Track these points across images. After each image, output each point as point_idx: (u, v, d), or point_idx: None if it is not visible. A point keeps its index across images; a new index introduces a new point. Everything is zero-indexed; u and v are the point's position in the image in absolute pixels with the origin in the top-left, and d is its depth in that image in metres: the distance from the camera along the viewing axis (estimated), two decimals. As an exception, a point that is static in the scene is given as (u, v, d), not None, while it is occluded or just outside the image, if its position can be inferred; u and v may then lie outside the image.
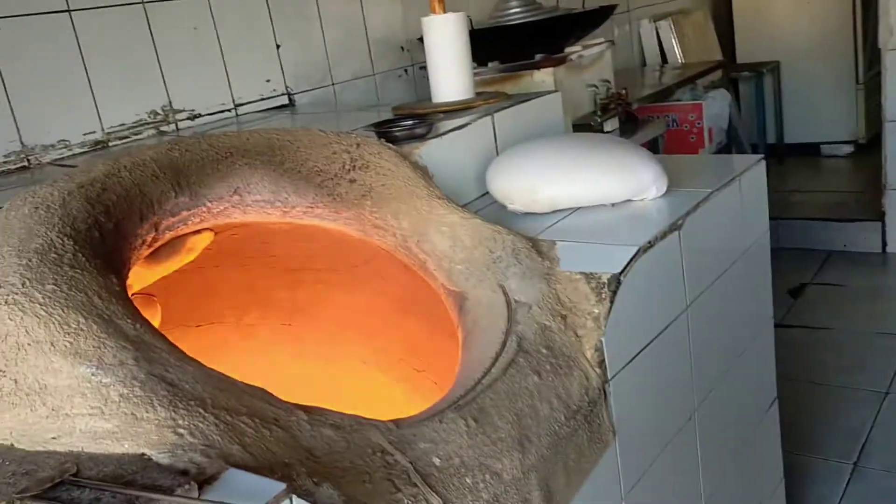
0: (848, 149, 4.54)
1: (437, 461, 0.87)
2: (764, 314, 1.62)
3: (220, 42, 2.06)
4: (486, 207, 1.45)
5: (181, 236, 1.22)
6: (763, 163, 1.52)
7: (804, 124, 4.59)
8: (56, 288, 0.82)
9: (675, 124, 3.49)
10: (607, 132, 2.50)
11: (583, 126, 2.33)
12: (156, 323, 1.43)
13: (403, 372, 1.67)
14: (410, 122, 1.49)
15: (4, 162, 1.66)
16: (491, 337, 1.09)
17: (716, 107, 3.40)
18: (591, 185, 1.31)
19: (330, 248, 1.48)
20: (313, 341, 1.71)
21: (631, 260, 1.15)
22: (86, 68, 1.78)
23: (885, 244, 3.34)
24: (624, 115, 2.56)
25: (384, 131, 1.41)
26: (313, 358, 1.73)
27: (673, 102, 3.37)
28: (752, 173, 1.49)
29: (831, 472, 2.06)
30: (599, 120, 2.41)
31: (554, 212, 1.35)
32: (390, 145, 1.35)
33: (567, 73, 2.29)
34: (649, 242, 1.19)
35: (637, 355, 1.16)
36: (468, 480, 0.87)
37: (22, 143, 1.68)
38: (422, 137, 1.43)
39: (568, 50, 2.34)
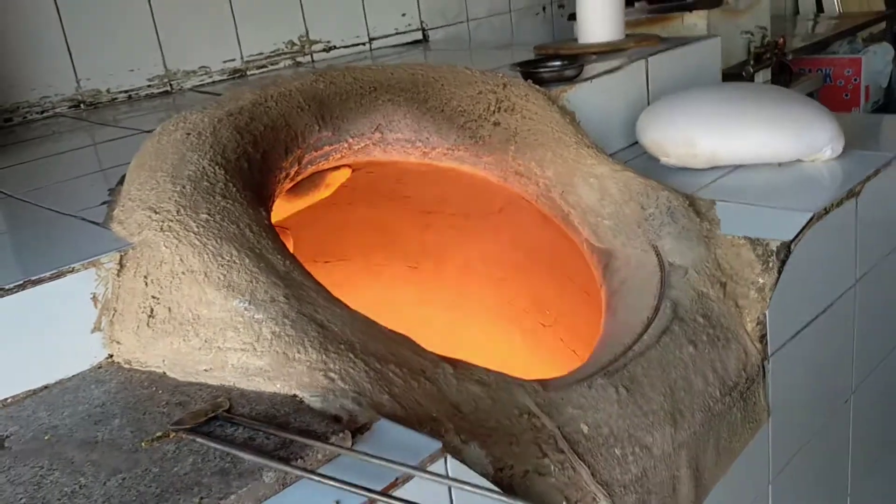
0: None
1: (584, 428, 0.81)
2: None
3: (359, -28, 2.01)
4: (636, 159, 1.36)
5: (321, 171, 1.20)
6: (953, 126, 1.36)
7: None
8: (209, 217, 0.80)
9: (829, 79, 3.21)
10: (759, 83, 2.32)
11: (733, 76, 2.16)
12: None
13: (528, 324, 1.62)
14: (559, 63, 1.40)
15: (148, 86, 1.68)
16: (641, 300, 1.02)
17: (876, 63, 3.11)
18: (757, 141, 1.19)
19: (465, 193, 1.43)
20: (438, 286, 1.68)
21: (804, 227, 1.04)
22: (229, -4, 1.77)
23: None
24: (777, 67, 2.37)
25: (531, 72, 1.33)
26: (437, 303, 1.70)
27: (828, 55, 3.10)
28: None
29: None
30: (752, 70, 2.23)
31: (713, 168, 1.24)
32: (538, 87, 1.27)
33: (721, 17, 2.12)
34: (824, 209, 1.07)
35: (800, 332, 1.06)
36: (617, 451, 0.82)
37: (165, 67, 1.70)
38: (571, 80, 1.34)
39: (724, -8, 2.16)
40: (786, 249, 1.02)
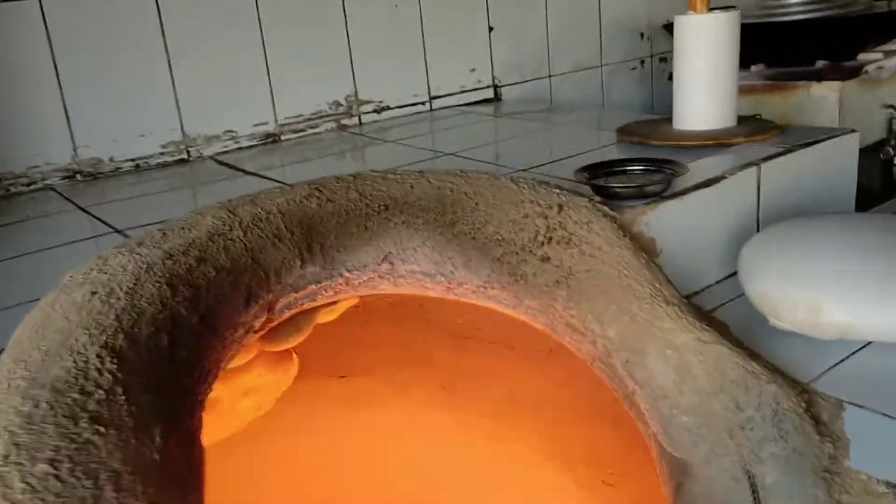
0: None
1: None
2: None
3: (422, 22, 1.74)
4: (733, 304, 1.02)
5: (307, 311, 0.93)
6: None
7: None
8: (50, 469, 0.53)
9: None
10: (897, 166, 1.91)
11: (867, 158, 1.77)
12: (292, 374, 1.17)
13: (585, 478, 1.30)
14: (641, 170, 1.08)
15: (161, 153, 1.46)
16: (724, 572, 0.69)
17: None
18: (912, 316, 0.84)
19: (507, 325, 1.13)
20: (477, 413, 1.38)
21: (983, 481, 0.69)
22: (265, 50, 1.53)
23: None
24: (924, 145, 1.95)
25: (602, 186, 1.01)
26: (476, 431, 1.40)
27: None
28: None
29: None
30: (893, 152, 1.83)
31: (841, 339, 0.90)
32: (606, 210, 0.96)
33: (858, 88, 1.74)
34: None
35: None
36: None
37: (183, 132, 1.47)
38: (655, 197, 1.02)
39: (862, 58, 1.78)
40: (956, 518, 0.67)
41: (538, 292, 0.92)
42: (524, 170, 1.23)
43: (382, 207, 0.91)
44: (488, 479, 1.40)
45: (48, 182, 1.36)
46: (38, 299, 0.71)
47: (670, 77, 1.36)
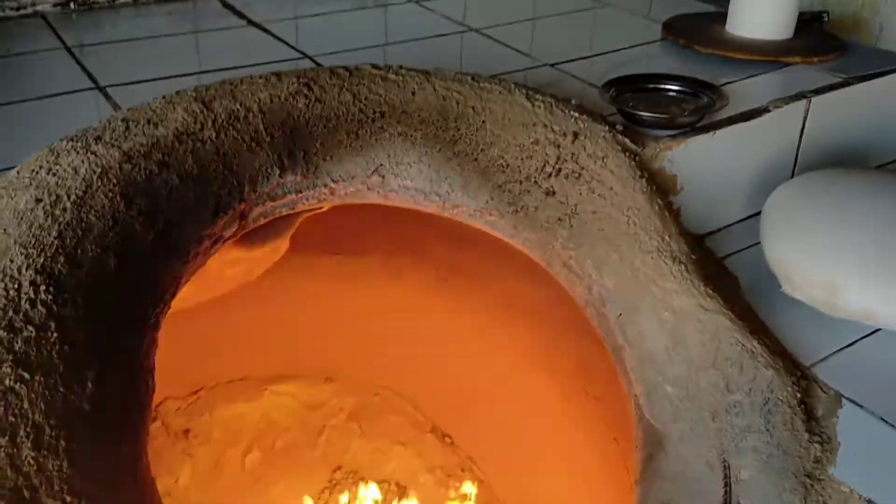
0: None
1: None
2: None
3: None
4: (749, 251, 0.94)
5: (288, 215, 0.86)
6: None
7: None
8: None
9: None
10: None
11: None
12: (281, 250, 1.12)
13: (571, 388, 1.28)
14: (675, 92, 0.96)
15: (165, -12, 1.33)
16: (676, 567, 0.67)
17: None
18: (940, 313, 0.76)
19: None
20: (470, 307, 1.35)
21: (973, 517, 0.64)
22: None
23: None
24: None
25: (628, 112, 0.90)
26: (469, 324, 1.37)
27: None
28: None
29: None
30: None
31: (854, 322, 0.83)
32: (627, 143, 0.86)
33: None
34: None
35: None
36: None
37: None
38: (687, 129, 0.91)
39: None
40: (931, 553, 0.63)
41: (538, 227, 0.84)
42: (553, 64, 1.10)
43: (378, 114, 0.81)
44: (474, 373, 1.39)
45: (39, 8, 1.25)
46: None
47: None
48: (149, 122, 0.72)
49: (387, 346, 1.48)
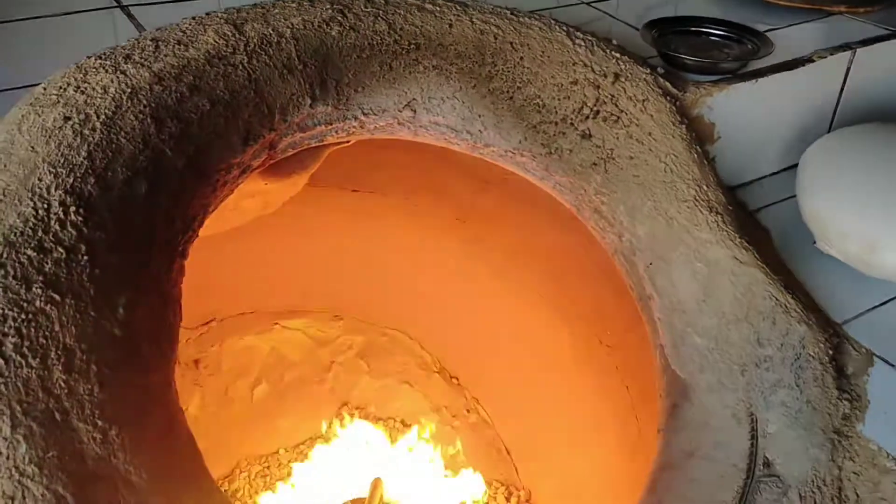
0: None
1: None
2: None
3: None
4: (783, 204, 0.92)
5: (316, 147, 0.84)
6: None
7: None
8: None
9: None
10: None
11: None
12: (300, 184, 1.10)
13: (583, 334, 1.27)
14: (719, 36, 0.93)
15: None
16: (699, 516, 0.67)
17: None
18: (979, 276, 0.75)
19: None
20: (487, 248, 1.33)
21: None
22: None
23: None
24: None
25: (671, 54, 0.87)
26: (484, 265, 1.36)
27: None
28: None
29: None
30: None
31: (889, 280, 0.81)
32: (668, 87, 0.83)
33: None
34: None
35: None
36: None
37: None
38: (729, 75, 0.88)
39: None
40: (958, 513, 0.63)
41: (571, 170, 0.82)
42: (590, 3, 1.06)
43: (413, 46, 0.78)
44: (486, 316, 1.38)
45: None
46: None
47: None
48: (179, 43, 0.70)
49: (399, 286, 1.48)
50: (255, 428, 1.53)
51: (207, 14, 0.75)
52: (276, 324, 1.54)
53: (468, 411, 1.59)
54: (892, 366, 0.73)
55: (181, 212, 0.64)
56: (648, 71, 0.83)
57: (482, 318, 1.40)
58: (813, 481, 0.66)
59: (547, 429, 1.43)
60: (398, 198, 1.32)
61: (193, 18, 0.74)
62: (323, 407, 1.59)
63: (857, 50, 0.96)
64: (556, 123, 0.80)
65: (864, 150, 0.85)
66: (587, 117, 0.80)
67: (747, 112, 0.90)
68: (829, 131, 0.97)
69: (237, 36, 0.72)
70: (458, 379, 1.60)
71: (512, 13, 0.83)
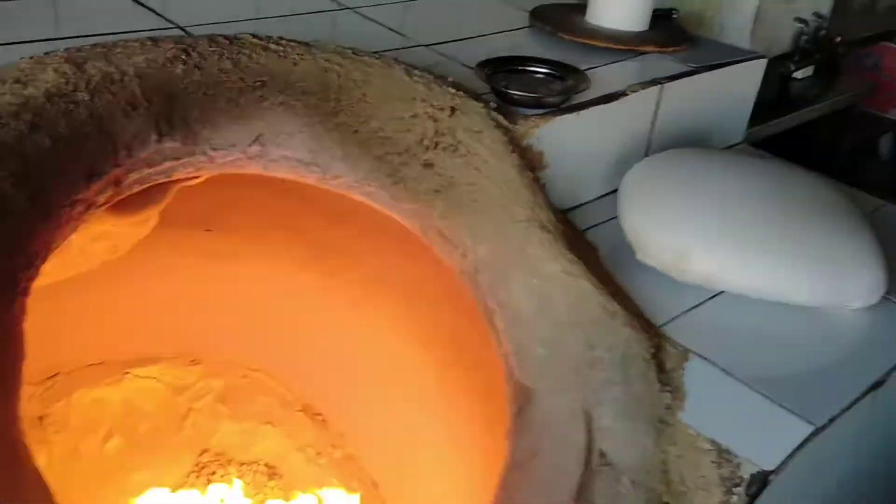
0: None
1: None
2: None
3: None
4: (609, 224, 1.01)
5: (164, 183, 0.85)
6: None
7: None
8: None
9: (877, 68, 2.80)
10: (797, 80, 1.93)
11: (769, 69, 1.77)
12: (150, 225, 1.09)
13: (444, 359, 1.32)
14: (544, 74, 1.02)
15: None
16: (546, 507, 0.72)
17: (936, 63, 2.68)
18: (773, 278, 0.86)
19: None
20: (344, 281, 1.36)
21: (796, 450, 0.74)
22: None
23: None
24: (823, 64, 1.97)
25: (501, 91, 0.95)
26: (342, 298, 1.39)
27: (885, 43, 2.67)
28: None
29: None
30: (793, 68, 1.84)
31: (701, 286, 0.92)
32: (501, 120, 0.91)
33: (777, -2, 1.70)
34: (829, 419, 0.76)
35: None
36: None
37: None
38: (554, 108, 0.97)
39: (790, -35, 1.72)
40: (761, 481, 0.72)
41: (416, 198, 0.87)
42: (428, 45, 1.14)
43: (259, 83, 0.82)
44: (348, 350, 1.41)
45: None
46: None
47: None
48: (17, 82, 0.70)
49: (257, 326, 1.47)
50: (108, 483, 1.47)
51: (47, 54, 0.75)
52: (128, 373, 1.50)
53: (334, 447, 1.60)
54: (705, 359, 0.82)
55: (23, 248, 0.64)
56: (482, 105, 0.90)
57: (343, 352, 1.42)
58: (642, 467, 0.73)
59: (413, 457, 1.46)
60: (252, 236, 1.33)
61: (32, 58, 0.74)
62: (182, 457, 1.55)
63: (665, 84, 1.08)
64: (400, 154, 0.86)
65: (673, 172, 0.96)
66: (428, 148, 0.86)
67: (572, 141, 0.99)
68: (645, 156, 1.08)
69: (78, 74, 0.73)
70: (322, 415, 1.60)
71: (354, 52, 0.88)
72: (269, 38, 0.86)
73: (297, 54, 0.84)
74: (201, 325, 1.43)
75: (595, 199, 1.08)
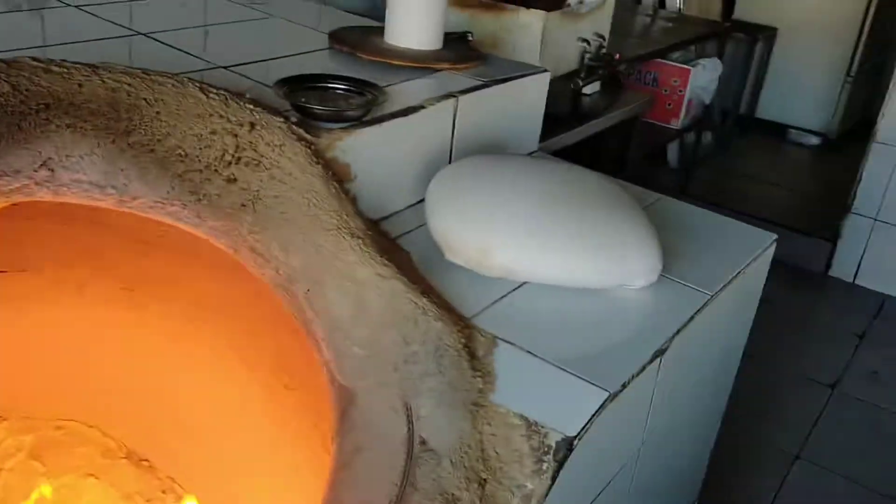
0: (816, 140, 4.28)
1: None
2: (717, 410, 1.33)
3: None
4: (418, 231, 1.06)
5: (-57, 217, 0.79)
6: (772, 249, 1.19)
7: (780, 102, 4.27)
8: None
9: (655, 83, 3.10)
10: (586, 95, 2.10)
11: (560, 86, 1.92)
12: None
13: (268, 381, 1.31)
14: (343, 90, 1.05)
15: None
16: (373, 497, 0.75)
17: (703, 78, 3.02)
18: (564, 263, 0.94)
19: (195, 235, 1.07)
20: (160, 315, 1.32)
21: (594, 414, 0.81)
22: None
23: (828, 266, 3.13)
24: (608, 79, 2.16)
25: (300, 106, 0.97)
26: (159, 332, 1.34)
27: (660, 60, 2.96)
28: (759, 265, 1.16)
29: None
30: (581, 83, 2.01)
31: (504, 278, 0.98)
32: (302, 133, 0.93)
33: (560, 19, 1.85)
34: (622, 385, 0.84)
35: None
36: None
37: None
38: (354, 122, 1.00)
39: (568, -9, 1.89)
40: (567, 447, 0.78)
41: (222, 214, 0.87)
42: (227, 67, 1.14)
43: (42, 106, 0.79)
44: (169, 386, 1.36)
45: None
46: None
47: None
48: None
49: (68, 372, 1.39)
50: None
51: None
52: (-81, 439, 1.36)
53: (164, 492, 1.53)
54: (512, 344, 0.88)
55: None
56: (283, 120, 0.92)
57: (164, 389, 1.37)
58: (460, 448, 0.77)
59: (248, 486, 1.43)
60: (53, 274, 1.26)
61: None
62: (-5, 523, 1.42)
63: (460, 98, 1.15)
64: (201, 171, 0.86)
65: (473, 176, 1.02)
66: (230, 163, 0.87)
67: (377, 153, 1.03)
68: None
69: None
70: (148, 461, 1.53)
71: (143, 72, 0.87)
72: (50, 60, 0.83)
73: (83, 76, 0.82)
74: (3, 378, 1.33)
75: (406, 209, 1.12)
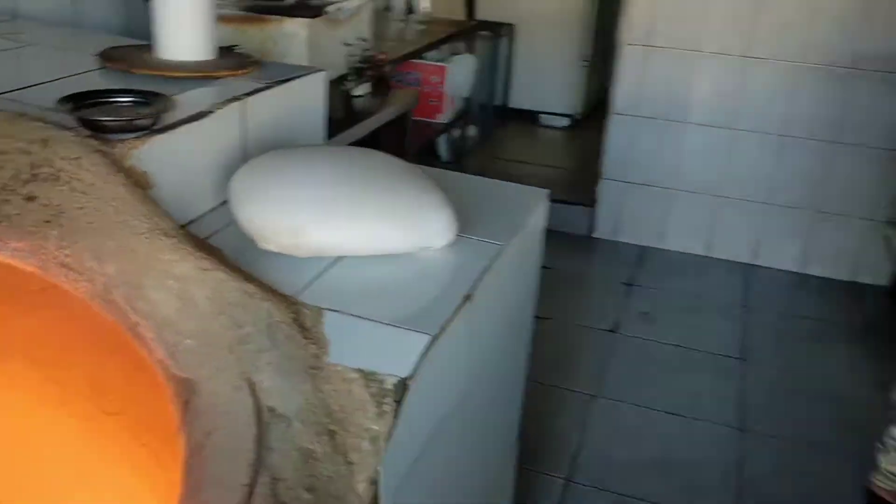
0: (565, 122, 4.73)
1: None
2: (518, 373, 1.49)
3: None
4: (225, 230, 1.10)
5: None
6: (544, 205, 1.37)
7: (529, 91, 4.68)
8: None
9: (418, 83, 3.29)
10: (357, 96, 2.21)
11: (331, 90, 2.01)
12: None
13: (85, 411, 1.27)
14: (129, 102, 1.07)
15: None
16: (233, 471, 0.79)
17: (460, 74, 3.26)
18: (370, 233, 1.03)
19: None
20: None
21: (423, 354, 0.90)
22: None
23: (591, 229, 3.50)
24: (376, 80, 2.29)
25: (88, 119, 0.98)
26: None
27: (418, 61, 3.16)
28: (538, 216, 1.33)
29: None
30: (352, 85, 2.11)
31: (315, 257, 1.05)
32: (96, 145, 0.94)
33: (324, 26, 1.95)
34: (441, 328, 0.95)
35: (417, 467, 0.94)
36: None
37: None
38: (145, 131, 1.02)
39: (326, -1, 1.99)
40: (402, 388, 0.87)
41: (25, 233, 0.87)
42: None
43: None
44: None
45: None
46: None
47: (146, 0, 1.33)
48: None
49: None
50: None
51: None
52: None
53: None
54: (338, 311, 0.95)
55: None
56: (75, 134, 0.92)
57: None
58: (307, 408, 0.84)
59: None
60: None
61: None
62: None
63: (246, 100, 1.20)
64: (-2, 193, 0.84)
65: (273, 167, 1.08)
66: (27, 181, 0.86)
67: (172, 159, 1.06)
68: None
69: None
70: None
71: (-84, 99, 0.84)
72: None
73: None
74: None
75: (209, 212, 1.15)
